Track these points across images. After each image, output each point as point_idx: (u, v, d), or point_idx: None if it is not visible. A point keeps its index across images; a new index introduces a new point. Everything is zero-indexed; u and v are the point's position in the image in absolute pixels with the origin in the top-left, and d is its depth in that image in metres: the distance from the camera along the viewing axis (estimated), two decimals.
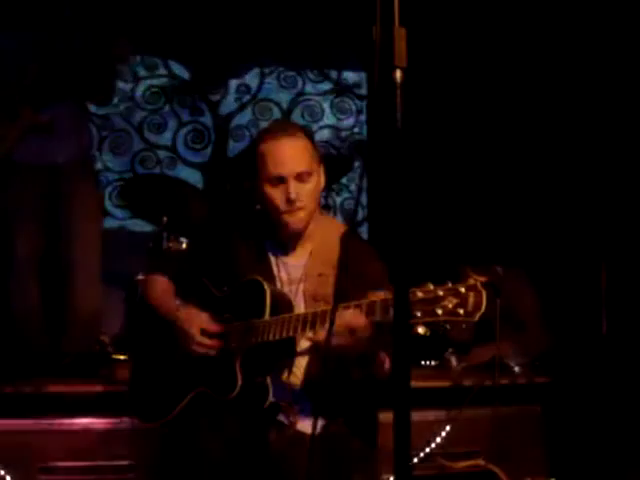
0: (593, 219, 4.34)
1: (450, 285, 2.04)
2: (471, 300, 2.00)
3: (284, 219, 2.56)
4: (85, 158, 3.92)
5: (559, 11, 4.50)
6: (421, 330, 2.05)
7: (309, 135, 2.62)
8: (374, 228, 5.62)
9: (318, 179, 2.59)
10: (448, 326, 2.00)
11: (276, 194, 2.54)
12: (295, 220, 2.56)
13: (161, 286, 2.71)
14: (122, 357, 3.95)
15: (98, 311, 3.85)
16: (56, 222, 3.80)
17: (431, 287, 2.06)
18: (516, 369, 3.99)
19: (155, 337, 2.70)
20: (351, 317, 2.27)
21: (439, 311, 2.03)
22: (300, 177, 2.53)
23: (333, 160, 4.68)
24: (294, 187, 2.52)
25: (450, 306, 2.02)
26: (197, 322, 2.53)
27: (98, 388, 3.42)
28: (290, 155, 2.54)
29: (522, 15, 4.68)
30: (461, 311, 2.01)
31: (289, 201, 2.52)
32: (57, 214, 3.79)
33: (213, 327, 2.53)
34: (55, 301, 3.87)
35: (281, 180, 2.53)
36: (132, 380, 2.76)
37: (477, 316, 2.00)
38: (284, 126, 2.66)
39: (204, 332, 2.52)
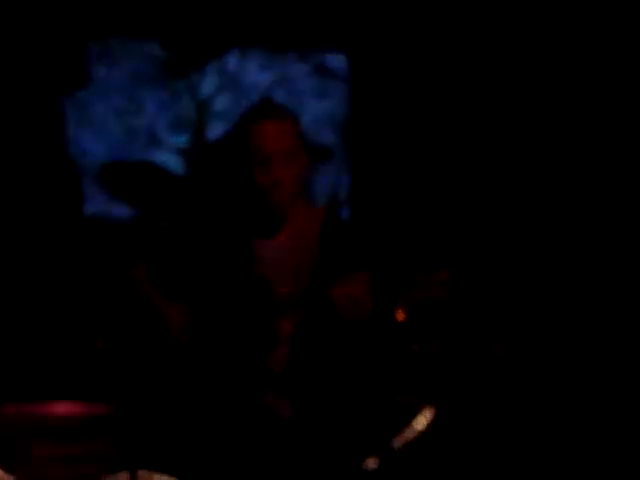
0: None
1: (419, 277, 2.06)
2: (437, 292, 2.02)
3: (268, 201, 2.55)
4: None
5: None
6: (399, 316, 2.06)
7: (295, 117, 2.62)
8: (356, 210, 5.61)
9: (303, 162, 2.58)
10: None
11: (260, 176, 2.53)
12: (279, 202, 2.56)
13: (142, 275, 2.71)
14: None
15: None
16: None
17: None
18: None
19: (135, 326, 2.69)
20: (351, 287, 2.27)
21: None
22: (285, 159, 2.53)
23: (311, 150, 4.71)
24: (279, 169, 2.52)
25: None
26: (178, 314, 2.53)
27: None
28: (275, 136, 2.54)
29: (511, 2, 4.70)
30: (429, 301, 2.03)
31: (273, 183, 2.52)
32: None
33: (193, 318, 2.53)
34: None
35: (266, 161, 2.53)
36: (111, 367, 2.76)
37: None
38: (270, 107, 2.65)
39: (184, 324, 2.52)
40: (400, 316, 2.10)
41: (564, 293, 4.38)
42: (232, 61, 5.72)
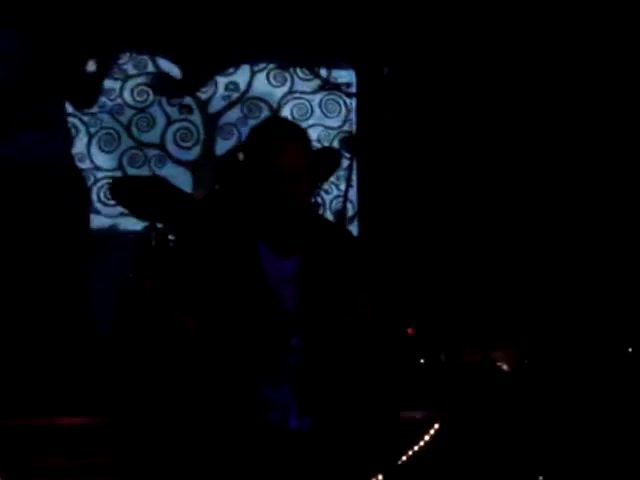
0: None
1: None
2: None
3: (277, 220, 2.55)
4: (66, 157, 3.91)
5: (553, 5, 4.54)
6: (408, 330, 2.07)
7: (304, 135, 2.60)
8: (364, 225, 5.61)
9: (312, 180, 2.58)
10: None
11: (269, 194, 2.52)
12: (288, 221, 2.55)
13: (151, 290, 2.70)
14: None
15: None
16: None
17: None
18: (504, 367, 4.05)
19: (147, 341, 2.70)
20: (359, 306, 2.29)
21: None
22: (295, 178, 2.52)
23: (321, 155, 4.68)
24: (288, 188, 2.51)
25: None
26: (187, 329, 2.54)
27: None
28: (285, 156, 2.52)
29: (516, 10, 4.71)
30: None
31: (284, 200, 2.51)
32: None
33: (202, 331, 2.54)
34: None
35: (275, 180, 2.51)
36: (121, 381, 2.77)
37: None
38: (280, 125, 2.64)
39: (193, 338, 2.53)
40: (409, 331, 2.10)
41: (572, 309, 4.37)
42: (241, 76, 5.74)
